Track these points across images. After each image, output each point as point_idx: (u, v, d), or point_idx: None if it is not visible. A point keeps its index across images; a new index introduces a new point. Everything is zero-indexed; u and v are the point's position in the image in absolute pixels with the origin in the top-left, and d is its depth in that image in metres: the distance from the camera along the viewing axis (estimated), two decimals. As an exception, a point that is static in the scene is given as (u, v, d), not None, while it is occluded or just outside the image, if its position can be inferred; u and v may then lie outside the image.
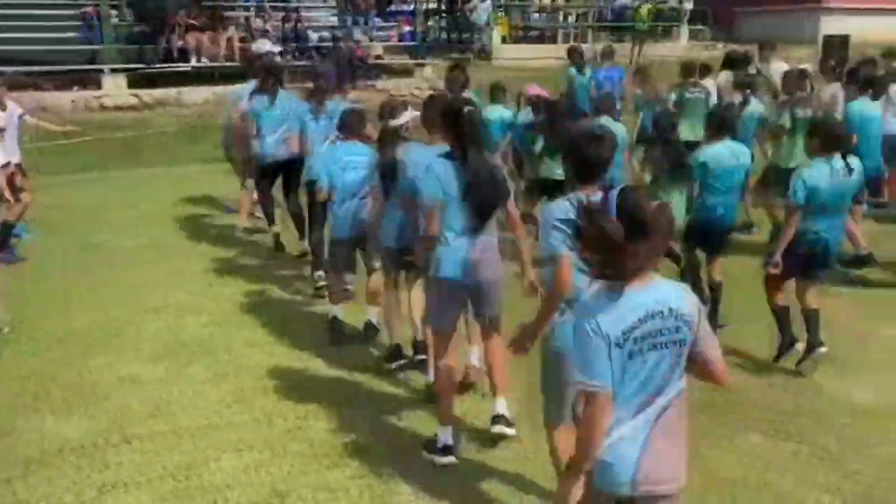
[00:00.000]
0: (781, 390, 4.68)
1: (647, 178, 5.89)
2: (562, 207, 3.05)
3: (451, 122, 3.73)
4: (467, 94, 6.80)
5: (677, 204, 5.42)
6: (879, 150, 7.04)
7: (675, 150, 5.68)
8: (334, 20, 18.87)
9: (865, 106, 7.00)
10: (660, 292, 2.26)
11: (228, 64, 15.48)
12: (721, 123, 5.40)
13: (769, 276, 4.87)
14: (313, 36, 17.61)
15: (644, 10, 20.78)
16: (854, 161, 4.73)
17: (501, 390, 4.01)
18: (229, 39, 16.00)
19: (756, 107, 7.58)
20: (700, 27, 28.49)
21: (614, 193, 2.23)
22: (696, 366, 2.34)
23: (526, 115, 7.61)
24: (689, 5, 28.53)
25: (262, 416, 4.46)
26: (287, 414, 4.47)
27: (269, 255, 7.43)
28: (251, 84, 7.38)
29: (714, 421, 4.19)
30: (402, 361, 4.94)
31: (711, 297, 5.40)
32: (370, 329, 5.36)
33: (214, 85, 14.92)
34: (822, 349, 4.82)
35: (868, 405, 4.48)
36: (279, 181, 7.28)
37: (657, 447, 2.27)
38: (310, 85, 7.10)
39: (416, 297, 4.80)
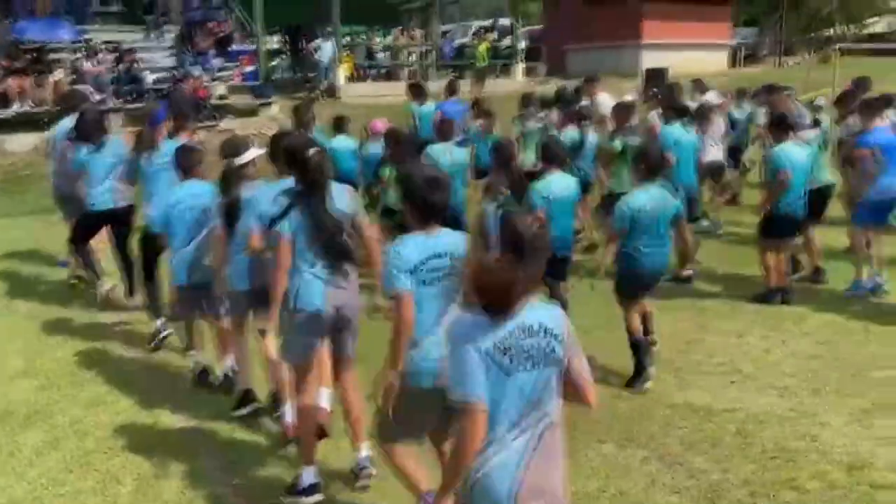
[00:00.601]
0: (627, 400, 4.95)
1: (487, 204, 6.12)
2: (407, 246, 3.11)
3: (297, 159, 3.71)
4: (313, 131, 6.81)
5: None
6: (693, 171, 7.65)
7: (515, 176, 5.95)
8: (171, 61, 18.27)
9: (679, 131, 7.62)
10: (534, 312, 2.35)
11: (57, 108, 14.50)
12: (552, 155, 5.71)
13: (621, 301, 5.20)
14: (149, 78, 16.95)
15: (482, 48, 21.76)
16: (671, 184, 5.19)
17: (362, 437, 3.95)
18: (57, 83, 15.04)
19: (592, 137, 8.08)
20: (534, 64, 30.12)
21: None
22: (567, 386, 2.42)
23: (374, 147, 7.80)
24: (523, 44, 30.07)
25: (107, 478, 4.16)
26: (135, 473, 4.20)
27: (104, 309, 6.98)
28: (67, 120, 6.97)
29: (566, 436, 4.34)
30: (256, 406, 4.78)
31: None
32: (224, 379, 5.16)
33: (42, 131, 13.93)
34: (655, 348, 5.21)
35: (707, 407, 4.82)
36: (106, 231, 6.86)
37: (536, 464, 2.32)
38: (142, 127, 6.80)
39: (268, 340, 4.67)
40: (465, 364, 2.26)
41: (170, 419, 4.86)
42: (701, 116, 8.67)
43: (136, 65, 16.85)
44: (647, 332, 5.33)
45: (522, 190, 5.53)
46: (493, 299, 2.29)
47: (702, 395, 4.99)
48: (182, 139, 6.17)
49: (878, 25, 58.41)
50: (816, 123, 7.88)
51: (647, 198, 5.03)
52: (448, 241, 3.17)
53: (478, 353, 2.26)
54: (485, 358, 2.26)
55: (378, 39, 28.89)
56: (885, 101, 7.17)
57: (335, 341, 3.89)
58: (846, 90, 8.50)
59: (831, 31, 51.51)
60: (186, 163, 5.13)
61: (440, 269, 3.12)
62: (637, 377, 5.10)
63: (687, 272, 7.30)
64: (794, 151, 6.45)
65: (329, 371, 4.03)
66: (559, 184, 5.59)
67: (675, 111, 7.88)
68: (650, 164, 5.12)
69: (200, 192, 4.99)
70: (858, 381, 5.07)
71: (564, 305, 5.66)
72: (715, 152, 9.01)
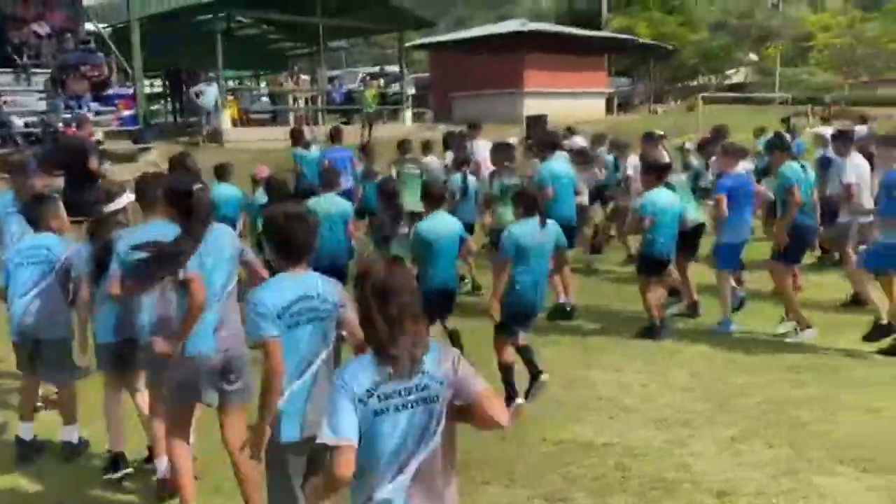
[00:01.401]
0: (510, 439, 4.99)
1: (372, 245, 6.16)
2: (270, 291, 3.04)
3: (179, 200, 3.60)
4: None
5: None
6: (570, 205, 7.90)
7: (399, 215, 6.05)
8: (43, 105, 17.39)
9: (557, 166, 7.87)
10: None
11: None
12: (434, 197, 5.83)
13: (498, 332, 5.28)
14: (18, 122, 16.05)
15: (369, 93, 21.95)
16: (551, 223, 5.41)
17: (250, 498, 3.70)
18: None
19: (473, 182, 8.28)
20: (422, 110, 30.71)
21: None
22: (472, 417, 2.38)
23: (261, 195, 7.67)
24: (411, 90, 30.60)
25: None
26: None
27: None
28: None
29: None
30: (128, 471, 4.50)
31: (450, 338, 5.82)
32: (72, 446, 4.82)
33: None
34: (544, 376, 5.30)
35: (589, 443, 4.93)
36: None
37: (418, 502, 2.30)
38: (12, 175, 6.38)
39: (142, 395, 4.45)
40: (335, 403, 2.25)
41: (32, 490, 4.50)
42: (580, 158, 9.14)
43: (3, 108, 15.95)
44: (535, 374, 5.39)
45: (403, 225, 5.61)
46: (377, 342, 2.31)
47: (585, 430, 5.11)
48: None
49: (737, 76, 63.45)
50: (686, 167, 8.40)
51: (527, 230, 5.21)
52: (317, 282, 3.13)
53: (346, 391, 2.25)
54: (353, 396, 2.25)
55: (264, 84, 28.68)
56: (742, 149, 7.71)
57: (220, 386, 3.73)
58: (706, 137, 9.13)
59: (696, 81, 55.50)
60: (36, 215, 4.83)
61: (309, 312, 3.07)
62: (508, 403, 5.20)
63: (567, 301, 7.49)
64: (663, 196, 6.82)
65: (190, 427, 3.87)
66: (442, 224, 5.68)
67: (552, 147, 8.14)
68: (527, 201, 5.34)
69: (44, 244, 4.68)
70: (728, 411, 5.33)
71: (456, 338, 5.76)
72: (584, 195, 9.46)
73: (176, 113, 24.38)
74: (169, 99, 25.67)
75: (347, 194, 9.30)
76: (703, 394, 5.66)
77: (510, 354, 5.36)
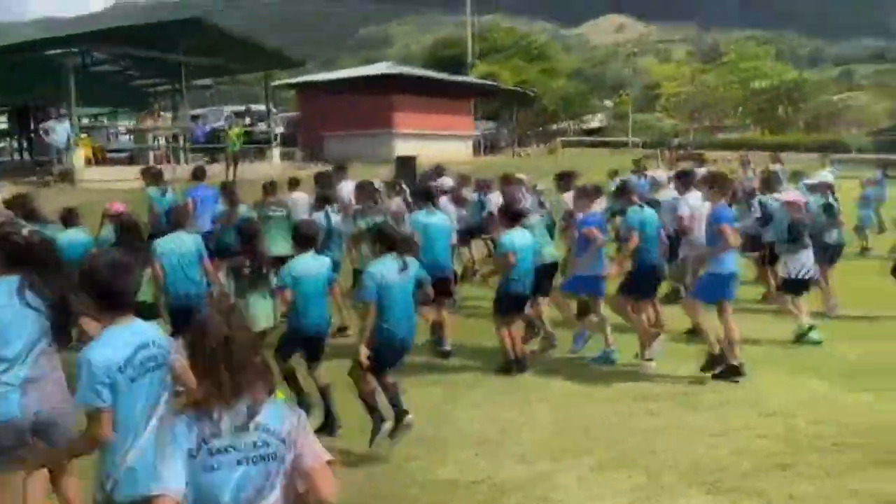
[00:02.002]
0: (379, 480, 4.92)
1: (231, 285, 5.95)
2: (106, 351, 2.83)
3: (14, 252, 3.40)
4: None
5: (261, 309, 5.62)
6: (445, 252, 7.99)
7: (256, 257, 5.88)
8: None
9: (426, 215, 7.94)
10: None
11: None
12: (304, 238, 5.73)
13: (358, 368, 5.19)
14: None
15: (234, 132, 21.45)
16: (411, 260, 5.38)
17: None
18: None
19: (336, 220, 8.21)
20: (291, 149, 30.37)
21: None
22: (301, 481, 2.33)
23: (108, 233, 7.27)
24: (279, 129, 30.23)
25: None
26: None
27: None
28: None
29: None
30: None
31: (323, 401, 5.64)
32: None
33: None
34: (409, 417, 5.25)
35: (455, 481, 4.92)
36: None
37: None
38: None
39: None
40: (169, 456, 2.19)
41: None
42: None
43: None
44: (400, 415, 5.34)
45: (264, 269, 5.47)
46: (210, 395, 2.23)
47: (451, 469, 5.10)
48: None
49: (594, 122, 67.31)
50: (542, 205, 8.75)
51: (387, 268, 5.18)
52: (148, 329, 3.00)
53: (178, 443, 2.18)
54: (185, 450, 2.18)
55: (122, 122, 27.44)
56: (596, 190, 8.12)
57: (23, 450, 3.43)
58: (562, 172, 9.55)
59: (557, 125, 58.32)
60: None
61: (150, 361, 2.91)
62: (377, 432, 5.18)
63: (444, 346, 7.54)
64: (519, 236, 7.04)
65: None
66: (310, 265, 5.58)
67: (423, 196, 8.21)
68: (386, 240, 5.31)
69: None
70: (590, 442, 5.50)
71: (326, 389, 5.63)
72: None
73: (23, 151, 22.83)
74: (16, 137, 24.03)
75: (210, 234, 8.99)
76: (566, 426, 5.81)
77: (370, 381, 5.28)
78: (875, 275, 9.26)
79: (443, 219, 8.05)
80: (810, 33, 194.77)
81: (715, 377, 6.66)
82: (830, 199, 9.08)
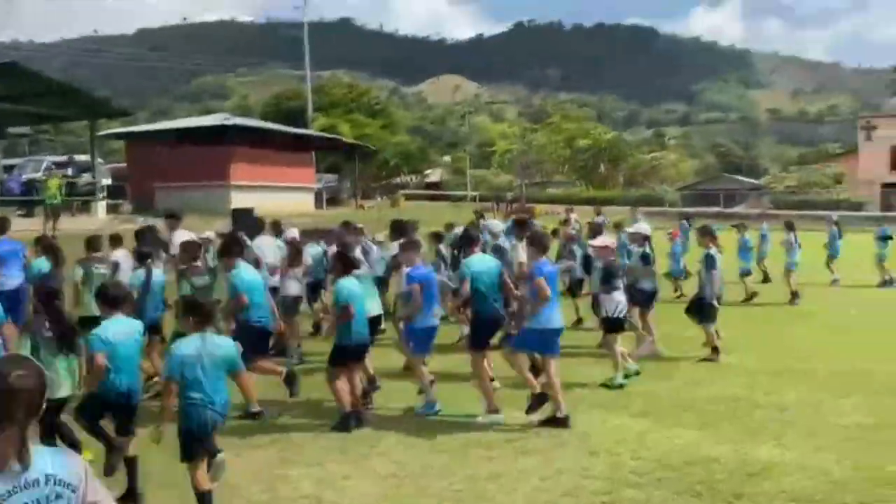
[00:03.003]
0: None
1: (27, 346, 5.47)
2: None
3: None
4: None
5: (62, 374, 5.26)
6: (266, 309, 7.64)
7: (58, 319, 5.44)
8: None
9: (248, 273, 7.56)
10: (43, 461, 2.17)
11: None
12: (112, 299, 5.38)
13: (189, 460, 4.87)
14: None
15: (52, 183, 19.92)
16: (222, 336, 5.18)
17: None
18: None
19: (159, 276, 7.82)
20: (119, 201, 28.75)
21: None
22: None
23: None
24: (106, 180, 28.57)
25: None
26: None
27: None
28: None
29: None
30: None
31: (128, 475, 5.28)
32: None
33: None
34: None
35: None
36: None
37: None
38: None
39: None
40: None
41: None
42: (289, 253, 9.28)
43: None
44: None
45: (66, 331, 5.11)
46: None
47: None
48: None
49: (434, 176, 69.30)
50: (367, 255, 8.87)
51: (192, 346, 4.83)
52: None
53: None
54: None
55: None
56: (417, 243, 8.27)
57: None
58: (395, 221, 9.74)
59: (399, 179, 59.43)
60: None
61: None
62: None
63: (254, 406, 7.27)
64: (354, 285, 7.06)
65: None
66: (121, 327, 5.26)
67: (237, 252, 7.87)
68: (199, 313, 5.00)
69: None
70: (429, 495, 5.50)
71: (132, 464, 5.28)
72: (294, 287, 9.53)
73: None
74: None
75: (17, 293, 8.28)
76: (404, 479, 5.80)
77: (202, 476, 4.92)
78: (681, 319, 10.14)
79: (259, 276, 7.77)
80: (626, 98, 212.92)
81: (543, 424, 6.88)
82: (647, 249, 9.86)
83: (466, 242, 7.94)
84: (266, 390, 7.47)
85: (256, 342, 7.31)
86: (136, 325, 5.46)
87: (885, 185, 53.24)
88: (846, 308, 14.14)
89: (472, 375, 7.56)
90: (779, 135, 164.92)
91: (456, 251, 10.79)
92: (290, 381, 7.28)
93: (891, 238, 17.37)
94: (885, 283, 16.86)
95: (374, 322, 7.89)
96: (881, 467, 5.84)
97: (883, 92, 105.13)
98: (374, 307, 7.92)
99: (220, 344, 4.97)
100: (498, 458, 6.16)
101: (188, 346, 4.83)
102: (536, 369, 7.46)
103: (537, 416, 6.97)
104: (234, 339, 6.96)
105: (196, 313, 4.98)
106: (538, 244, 7.30)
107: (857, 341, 10.91)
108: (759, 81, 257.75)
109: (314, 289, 10.81)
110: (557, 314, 7.13)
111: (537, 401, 6.96)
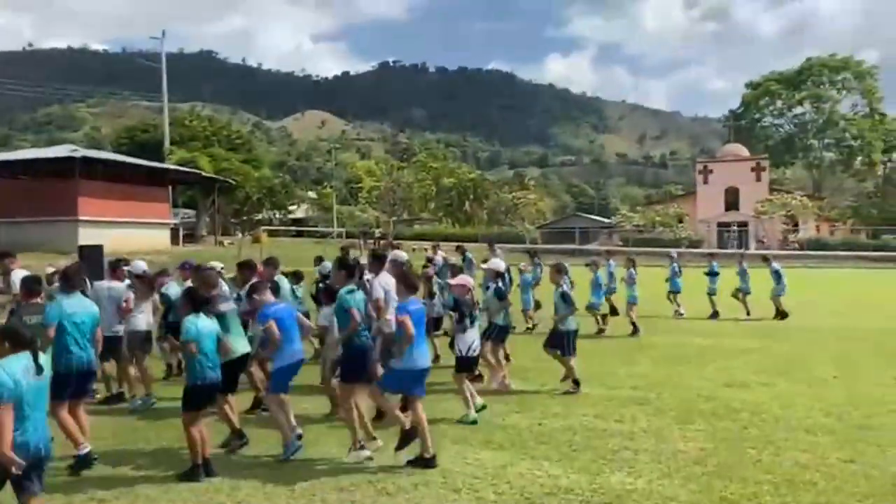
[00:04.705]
0: None
1: None
2: None
3: None
4: None
5: None
6: (90, 344, 7.13)
7: None
8: None
9: (69, 305, 7.09)
10: None
11: None
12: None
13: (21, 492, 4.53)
14: None
15: None
16: (43, 359, 4.78)
17: None
18: None
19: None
20: (-53, 237, 26.27)
21: None
22: None
23: None
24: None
25: None
26: None
27: None
28: None
29: None
30: None
31: None
32: None
33: None
34: None
35: None
36: None
37: None
38: None
39: None
40: None
41: None
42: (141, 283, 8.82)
43: None
44: None
45: None
46: None
47: None
48: None
49: (299, 212, 68.27)
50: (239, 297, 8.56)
51: (19, 369, 4.55)
52: None
53: None
54: None
55: None
56: (271, 283, 8.10)
57: None
58: (242, 262, 9.46)
59: (261, 215, 58.09)
60: None
61: None
62: None
63: (83, 448, 6.79)
64: (204, 323, 6.76)
65: None
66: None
67: (72, 281, 7.41)
68: (16, 339, 4.72)
69: None
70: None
71: None
72: (146, 321, 9.11)
73: None
74: None
75: None
76: (261, 527, 5.57)
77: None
78: (535, 352, 10.49)
79: (88, 310, 7.25)
80: (487, 139, 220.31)
81: (410, 464, 6.84)
82: (500, 284, 10.13)
83: (341, 273, 7.68)
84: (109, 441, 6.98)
85: (73, 380, 6.86)
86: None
87: (720, 224, 58.06)
88: (690, 338, 15.12)
89: (342, 410, 7.40)
90: (627, 176, 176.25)
91: (322, 284, 10.64)
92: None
93: (717, 274, 18.89)
94: (713, 316, 18.24)
95: (242, 361, 7.57)
96: (724, 489, 6.24)
97: (717, 138, 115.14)
98: (241, 345, 7.61)
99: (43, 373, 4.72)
100: (360, 502, 6.04)
101: (14, 366, 4.52)
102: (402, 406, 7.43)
103: (405, 455, 6.92)
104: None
105: (11, 339, 4.69)
106: (406, 282, 7.32)
107: (699, 370, 11.68)
108: (608, 126, 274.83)
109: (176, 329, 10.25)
110: (424, 354, 7.14)
111: (406, 438, 6.91)
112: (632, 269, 16.12)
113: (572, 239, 56.48)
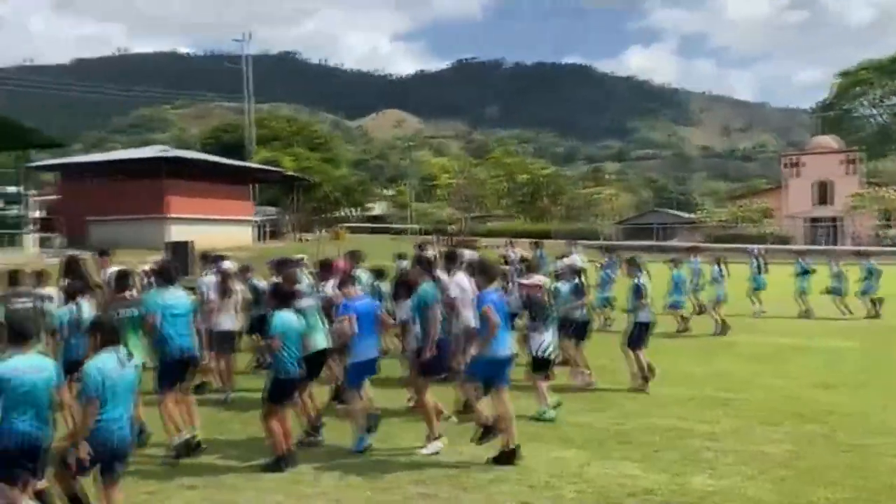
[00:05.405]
0: None
1: None
2: None
3: None
4: None
5: None
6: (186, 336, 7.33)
7: None
8: None
9: (169, 297, 7.35)
10: None
11: None
12: (18, 335, 4.95)
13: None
14: None
15: (-25, 216, 19.12)
16: (125, 352, 5.06)
17: None
18: None
19: (88, 313, 7.55)
20: (51, 235, 27.84)
21: None
22: None
23: None
24: (35, 213, 27.64)
25: None
26: None
27: None
28: None
29: None
30: None
31: None
32: None
33: None
34: None
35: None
36: None
37: None
38: None
39: None
40: None
41: None
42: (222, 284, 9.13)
43: None
44: None
45: None
46: None
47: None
48: None
49: (376, 209, 69.25)
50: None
51: (109, 365, 4.86)
52: None
53: None
54: None
55: None
56: (354, 277, 8.21)
57: None
58: (322, 260, 9.65)
59: (340, 212, 59.21)
60: None
61: None
62: None
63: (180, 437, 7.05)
64: (289, 318, 6.95)
65: None
66: (30, 365, 4.85)
67: (166, 274, 7.68)
68: (106, 332, 5.05)
69: None
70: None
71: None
72: (231, 321, 9.39)
73: None
74: None
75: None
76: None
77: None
78: (615, 351, 10.34)
79: (186, 302, 7.51)
80: (564, 135, 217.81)
81: (493, 461, 6.81)
82: (579, 281, 10.04)
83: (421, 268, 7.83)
84: (202, 431, 7.28)
85: (176, 368, 7.15)
86: (47, 365, 5.02)
87: (809, 220, 55.69)
88: (772, 338, 14.60)
89: (417, 404, 7.50)
90: (710, 171, 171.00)
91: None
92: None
93: (808, 272, 18.13)
94: (806, 315, 17.53)
95: (321, 355, 7.76)
96: (812, 493, 6.02)
97: (805, 130, 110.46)
98: (320, 340, 7.80)
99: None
100: (439, 496, 6.11)
101: (104, 364, 4.81)
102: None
103: (487, 451, 6.94)
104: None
105: (102, 332, 4.98)
106: (485, 273, 7.36)
107: (782, 370, 11.27)
108: (690, 119, 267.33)
109: (261, 322, 10.54)
110: (506, 343, 7.15)
111: (487, 432, 6.91)
112: (720, 266, 15.72)
113: (651, 235, 55.25)
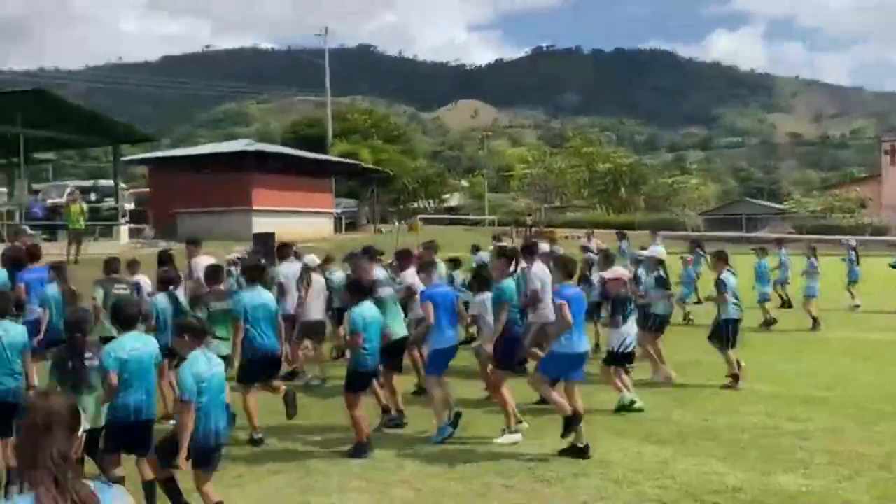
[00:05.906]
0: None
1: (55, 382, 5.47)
2: None
3: None
4: None
5: (88, 405, 5.22)
6: (272, 331, 7.46)
7: (78, 352, 5.44)
8: None
9: (253, 295, 7.49)
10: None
11: None
12: (125, 318, 5.46)
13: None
14: None
15: (75, 208, 19.99)
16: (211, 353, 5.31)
17: None
18: None
19: (182, 302, 7.88)
20: (142, 226, 29.11)
21: None
22: None
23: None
24: (128, 205, 28.93)
25: None
26: None
27: None
28: None
29: None
30: None
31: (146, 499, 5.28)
32: None
33: None
34: None
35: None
36: None
37: None
38: None
39: None
40: None
41: None
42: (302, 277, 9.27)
43: None
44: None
45: (80, 369, 5.24)
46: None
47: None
48: None
49: (452, 200, 69.46)
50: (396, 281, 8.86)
51: (133, 343, 5.23)
52: None
53: None
54: None
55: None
56: (432, 262, 8.29)
57: None
58: (400, 250, 9.73)
59: (416, 203, 59.67)
60: None
61: None
62: None
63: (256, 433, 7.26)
64: (370, 312, 7.04)
65: None
66: (136, 345, 5.31)
67: (253, 273, 7.91)
68: (195, 333, 5.21)
69: None
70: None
71: (150, 491, 5.33)
72: (315, 311, 9.59)
73: None
74: None
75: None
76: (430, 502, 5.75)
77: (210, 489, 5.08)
78: (699, 346, 10.04)
79: (267, 299, 7.63)
80: (645, 122, 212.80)
81: (562, 453, 6.76)
82: (661, 273, 9.79)
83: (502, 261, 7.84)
84: (282, 417, 7.47)
85: (260, 367, 7.33)
86: (152, 343, 5.52)
87: (910, 209, 52.64)
88: (867, 334, 13.91)
89: (496, 395, 7.49)
90: (800, 159, 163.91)
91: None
92: (288, 401, 7.28)
93: None
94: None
95: (401, 343, 7.84)
96: (911, 498, 5.71)
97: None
98: (400, 329, 7.89)
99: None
100: (518, 488, 6.09)
101: (196, 362, 4.98)
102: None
103: (559, 445, 6.88)
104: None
105: (188, 331, 5.17)
106: (563, 268, 7.29)
107: (879, 367, 10.72)
108: (779, 105, 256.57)
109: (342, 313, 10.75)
110: (582, 339, 7.08)
111: (570, 422, 6.81)
112: (812, 259, 14.97)
113: (738, 226, 53.33)
